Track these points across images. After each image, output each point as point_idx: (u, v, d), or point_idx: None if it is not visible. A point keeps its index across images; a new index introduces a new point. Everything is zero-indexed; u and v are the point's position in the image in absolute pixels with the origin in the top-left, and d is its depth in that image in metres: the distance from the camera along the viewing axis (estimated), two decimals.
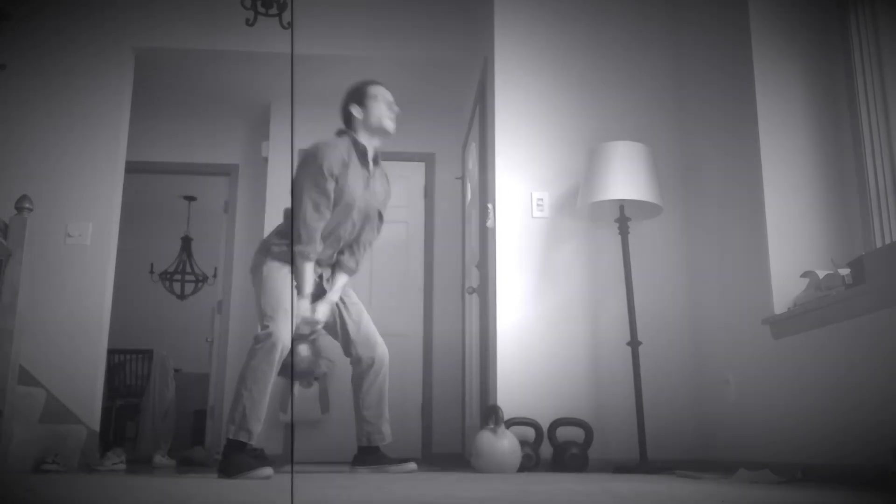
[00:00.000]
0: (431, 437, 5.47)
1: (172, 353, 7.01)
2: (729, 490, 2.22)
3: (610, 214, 3.85)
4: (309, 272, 3.11)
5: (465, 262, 5.25)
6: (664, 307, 3.91)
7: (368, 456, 3.18)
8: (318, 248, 3.10)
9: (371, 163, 3.26)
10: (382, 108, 3.25)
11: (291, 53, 4.94)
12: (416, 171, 5.95)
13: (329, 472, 3.38)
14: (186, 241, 8.56)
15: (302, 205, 3.07)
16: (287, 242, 3.08)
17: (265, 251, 3.15)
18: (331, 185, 3.09)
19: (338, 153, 3.13)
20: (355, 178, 3.18)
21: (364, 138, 3.25)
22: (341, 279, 3.30)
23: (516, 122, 4.05)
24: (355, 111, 3.25)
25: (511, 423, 3.56)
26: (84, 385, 4.25)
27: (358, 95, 3.27)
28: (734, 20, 3.49)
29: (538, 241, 3.93)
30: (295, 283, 3.07)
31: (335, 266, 3.32)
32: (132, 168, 5.08)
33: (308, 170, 3.11)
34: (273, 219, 5.76)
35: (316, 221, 3.07)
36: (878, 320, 2.47)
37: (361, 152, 3.22)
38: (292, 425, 3.18)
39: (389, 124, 3.26)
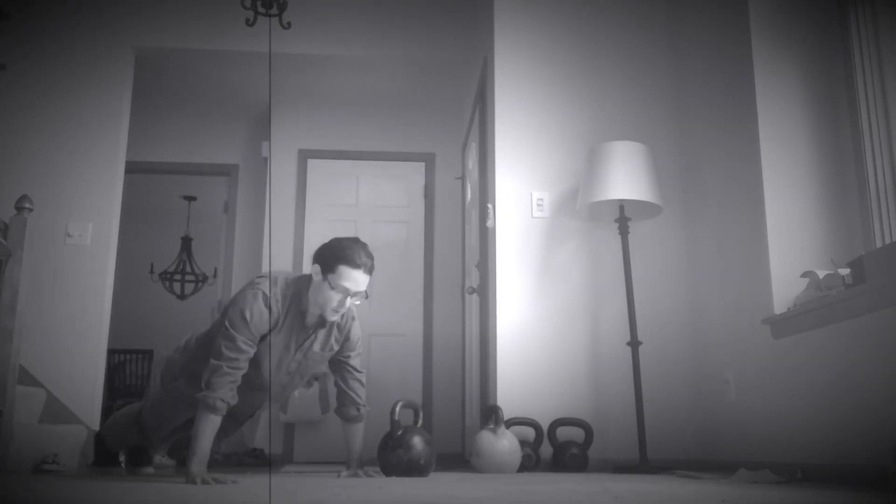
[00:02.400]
0: (431, 437, 5.47)
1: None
2: (729, 490, 2.21)
3: (610, 214, 3.85)
4: (212, 428, 2.54)
5: (465, 262, 5.25)
6: (664, 307, 3.91)
7: None
8: (230, 399, 2.57)
9: (309, 328, 2.81)
10: (335, 297, 2.67)
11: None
12: (416, 171, 5.95)
13: (329, 472, 3.38)
14: (186, 241, 8.55)
15: (217, 350, 2.61)
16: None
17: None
18: (245, 342, 2.62)
19: (262, 307, 2.66)
20: (285, 336, 2.76)
21: (310, 303, 2.75)
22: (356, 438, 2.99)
23: (516, 122, 4.05)
24: (314, 272, 2.71)
25: (511, 423, 3.56)
26: (84, 385, 4.25)
27: (330, 260, 2.68)
28: (734, 20, 3.49)
29: (538, 241, 3.93)
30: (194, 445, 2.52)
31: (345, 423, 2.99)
32: (132, 168, 5.08)
33: (228, 313, 2.67)
34: (273, 219, 5.77)
35: (230, 369, 2.58)
36: (878, 320, 2.47)
37: (300, 311, 2.77)
38: (269, 427, 3.12)
39: (332, 315, 2.73)
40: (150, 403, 3.03)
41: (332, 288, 2.66)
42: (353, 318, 2.97)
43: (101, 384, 4.36)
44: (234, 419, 3.04)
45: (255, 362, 2.72)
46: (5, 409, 3.11)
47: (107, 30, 4.72)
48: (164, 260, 8.88)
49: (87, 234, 4.44)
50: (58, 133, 4.53)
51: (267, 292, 2.69)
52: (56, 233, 4.41)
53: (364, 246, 2.72)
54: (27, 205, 3.38)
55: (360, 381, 2.99)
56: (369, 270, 2.70)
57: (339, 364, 2.98)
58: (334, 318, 2.76)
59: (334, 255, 2.67)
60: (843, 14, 3.23)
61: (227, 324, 2.63)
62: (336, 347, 2.91)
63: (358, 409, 2.95)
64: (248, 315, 2.64)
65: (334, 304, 2.69)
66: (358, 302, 2.76)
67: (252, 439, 3.20)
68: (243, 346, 2.61)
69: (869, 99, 3.07)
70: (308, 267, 5.68)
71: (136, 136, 5.84)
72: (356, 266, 2.66)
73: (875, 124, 3.04)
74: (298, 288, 2.76)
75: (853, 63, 3.15)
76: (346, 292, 2.67)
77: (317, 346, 2.85)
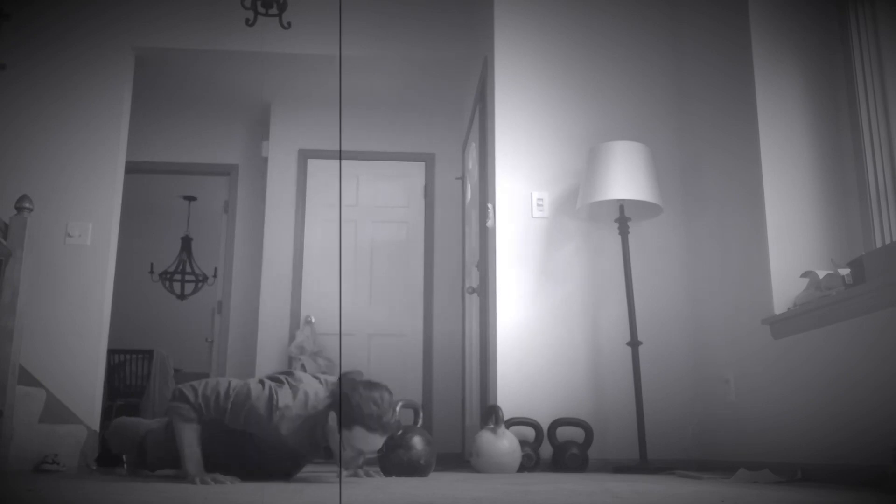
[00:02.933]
0: (431, 437, 5.48)
1: (172, 353, 7.01)
2: (729, 490, 2.21)
3: (610, 214, 3.85)
4: (193, 434, 2.49)
5: (465, 262, 5.25)
6: (664, 307, 3.91)
7: None
8: (200, 409, 2.50)
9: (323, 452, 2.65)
10: (347, 453, 2.48)
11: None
12: (416, 171, 5.95)
13: (329, 472, 3.38)
14: (186, 241, 8.56)
15: (203, 383, 2.54)
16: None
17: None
18: (225, 404, 2.51)
19: (266, 400, 2.50)
20: (295, 438, 2.59)
21: (322, 436, 2.56)
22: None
23: (516, 122, 4.05)
24: (330, 418, 2.48)
25: (511, 423, 3.56)
26: (84, 385, 4.25)
27: (347, 418, 2.44)
28: (734, 21, 3.49)
29: (538, 241, 3.93)
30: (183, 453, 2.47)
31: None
32: (132, 168, 5.08)
33: (250, 383, 2.55)
34: (273, 219, 5.77)
35: (207, 403, 2.50)
36: (878, 320, 2.47)
37: (313, 443, 2.59)
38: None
39: (343, 462, 2.55)
40: (153, 435, 2.99)
41: (344, 447, 2.47)
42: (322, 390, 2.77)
43: (101, 384, 4.36)
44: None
45: (259, 459, 2.64)
46: (5, 409, 3.11)
47: (107, 30, 4.72)
48: (164, 260, 8.89)
49: (87, 234, 4.43)
50: (58, 133, 4.54)
51: (278, 402, 2.51)
52: (56, 233, 4.41)
53: (389, 399, 2.48)
54: (27, 205, 3.38)
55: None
56: (388, 431, 2.49)
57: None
58: (344, 467, 2.61)
59: (353, 414, 2.42)
60: (843, 14, 3.24)
61: (233, 386, 2.52)
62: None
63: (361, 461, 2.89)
64: (245, 405, 2.49)
65: (345, 459, 2.50)
66: (371, 457, 2.60)
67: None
68: (212, 410, 2.49)
69: (869, 99, 3.07)
70: (308, 267, 5.72)
71: (136, 136, 5.85)
72: (373, 430, 2.42)
73: (875, 124, 3.04)
74: (316, 415, 2.55)
75: (853, 63, 3.15)
76: (360, 454, 2.48)
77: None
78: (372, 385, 2.47)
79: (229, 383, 2.54)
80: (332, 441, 2.50)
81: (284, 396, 2.52)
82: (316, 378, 2.65)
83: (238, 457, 2.63)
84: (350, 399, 2.44)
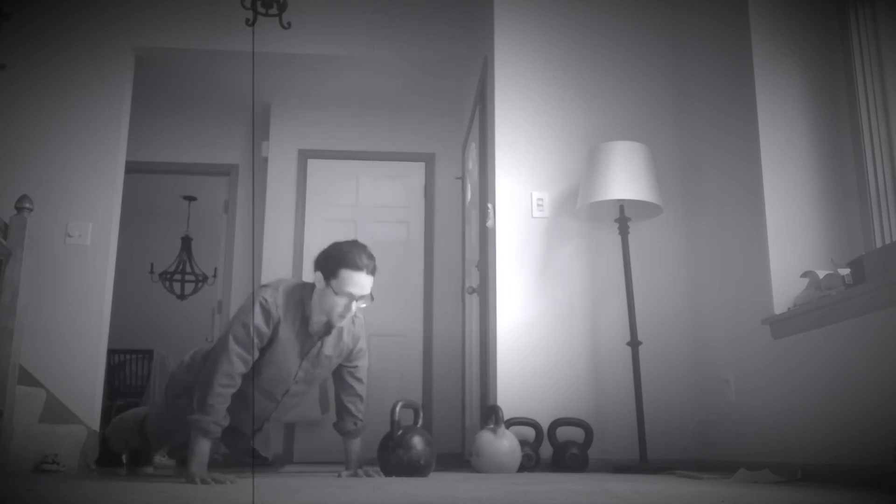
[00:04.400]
0: (431, 437, 5.48)
1: (172, 353, 7.01)
2: (729, 490, 2.22)
3: (610, 214, 3.85)
4: (207, 447, 2.51)
5: (465, 262, 5.25)
6: (664, 307, 3.91)
7: None
8: (222, 421, 2.55)
9: (315, 335, 2.78)
10: (339, 302, 2.64)
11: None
12: (416, 171, 5.95)
13: (329, 472, 3.38)
14: (186, 241, 8.56)
15: (212, 363, 2.61)
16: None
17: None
18: (244, 353, 2.61)
19: (266, 312, 2.65)
20: (289, 344, 2.74)
21: (314, 311, 2.73)
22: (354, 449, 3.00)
23: (516, 122, 4.05)
24: (317, 279, 2.69)
25: (511, 423, 3.56)
26: (84, 385, 4.25)
27: (331, 266, 2.65)
28: (734, 21, 3.49)
29: (538, 241, 3.93)
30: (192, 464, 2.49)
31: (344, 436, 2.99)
32: (132, 168, 5.08)
33: (231, 325, 2.67)
34: (273, 219, 5.77)
35: (223, 388, 2.56)
36: (878, 320, 2.47)
37: (304, 318, 2.75)
38: (253, 429, 3.08)
39: (338, 320, 2.70)
40: (154, 416, 3.02)
41: (336, 293, 2.62)
42: (362, 324, 2.97)
43: (101, 384, 4.36)
44: (243, 435, 3.02)
45: (259, 373, 2.70)
46: (5, 409, 3.11)
47: (107, 30, 4.72)
48: (164, 260, 8.88)
49: (87, 234, 4.43)
50: (58, 133, 4.53)
51: (267, 299, 2.67)
52: (56, 233, 4.41)
53: (364, 248, 2.69)
54: (27, 205, 3.38)
55: (359, 396, 2.99)
56: (372, 272, 2.67)
57: (341, 376, 2.97)
58: (341, 323, 2.73)
59: (335, 259, 2.63)
60: (843, 14, 3.24)
61: (231, 336, 2.62)
62: (350, 345, 2.90)
63: (355, 424, 2.96)
64: (248, 323, 2.62)
65: (340, 308, 2.65)
66: (364, 305, 2.73)
67: (268, 450, 3.19)
68: (237, 362, 2.59)
69: (869, 99, 3.07)
70: (308, 267, 5.71)
71: (136, 136, 5.84)
72: (358, 269, 2.62)
73: (875, 124, 3.04)
74: (300, 295, 2.74)
75: (853, 63, 3.15)
76: (351, 296, 2.63)
77: (327, 351, 2.83)
78: (348, 240, 2.70)
79: (230, 352, 2.61)
80: (323, 303, 2.63)
81: (267, 292, 2.67)
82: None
83: (250, 379, 2.70)
84: (330, 252, 2.64)
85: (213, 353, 2.68)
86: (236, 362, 2.59)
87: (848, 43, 3.19)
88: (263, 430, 3.09)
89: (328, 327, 2.75)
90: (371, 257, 2.70)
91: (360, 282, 2.64)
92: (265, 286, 2.76)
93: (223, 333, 2.69)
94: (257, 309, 2.65)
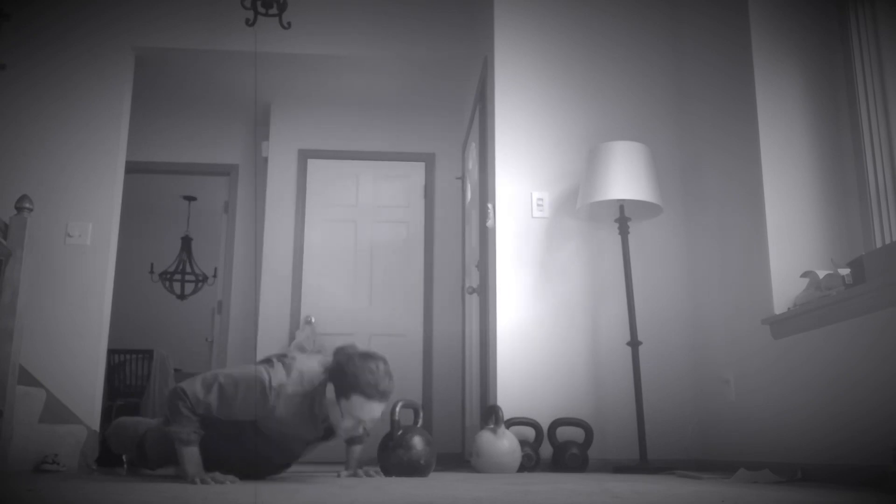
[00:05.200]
0: (431, 437, 5.48)
1: (172, 353, 7.01)
2: (729, 490, 2.21)
3: (610, 214, 3.85)
4: (194, 454, 2.46)
5: (465, 262, 5.25)
6: (664, 307, 3.91)
7: None
8: (200, 429, 2.49)
9: (322, 431, 2.65)
10: (347, 423, 2.46)
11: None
12: (416, 171, 5.95)
13: (329, 472, 3.38)
14: (186, 241, 8.56)
15: (189, 382, 2.51)
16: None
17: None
18: (213, 408, 2.50)
19: (255, 397, 2.49)
20: (289, 427, 2.58)
21: (321, 411, 2.55)
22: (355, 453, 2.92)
23: (516, 121, 4.05)
24: (328, 390, 2.48)
25: (511, 423, 3.56)
26: (84, 385, 4.25)
27: (345, 387, 2.42)
28: (734, 21, 3.49)
29: (538, 241, 3.93)
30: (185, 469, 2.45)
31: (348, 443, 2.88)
32: (132, 168, 5.08)
33: (224, 375, 2.53)
34: (273, 219, 5.77)
35: (186, 415, 2.48)
36: (878, 320, 2.47)
37: (312, 414, 2.58)
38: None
39: (343, 436, 2.56)
40: (153, 434, 2.99)
41: (343, 416, 2.46)
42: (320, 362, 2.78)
43: (101, 384, 4.36)
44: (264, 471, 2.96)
45: (259, 448, 2.63)
46: (5, 409, 3.11)
47: (107, 30, 4.72)
48: (164, 260, 8.89)
49: (87, 234, 4.43)
50: (58, 133, 4.54)
51: (271, 382, 2.51)
52: (56, 233, 4.41)
53: (384, 370, 2.46)
54: (27, 205, 3.38)
55: None
56: (386, 397, 2.47)
57: None
58: (345, 437, 2.62)
59: (350, 382, 2.41)
60: (843, 14, 3.24)
61: (221, 379, 2.50)
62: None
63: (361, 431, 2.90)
64: (237, 395, 2.48)
65: (345, 428, 2.48)
66: (370, 427, 2.54)
67: None
68: (203, 411, 2.48)
69: (869, 99, 3.07)
70: (308, 267, 5.72)
71: (136, 136, 5.85)
72: (371, 398, 2.41)
73: (875, 124, 3.04)
74: (313, 391, 2.55)
75: (853, 63, 3.15)
76: (359, 422, 2.46)
77: (333, 441, 2.73)
78: (367, 355, 2.47)
79: (216, 376, 2.52)
80: (331, 414, 2.48)
81: (277, 375, 2.53)
82: (310, 356, 2.66)
83: (239, 448, 2.63)
84: (345, 368, 2.44)
85: (197, 376, 2.59)
86: (205, 406, 2.48)
87: (848, 43, 3.19)
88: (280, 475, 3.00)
89: (330, 432, 2.65)
90: (390, 378, 2.48)
91: (372, 410, 2.45)
92: (284, 358, 2.61)
93: (217, 372, 2.56)
94: (252, 392, 2.49)
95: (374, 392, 2.41)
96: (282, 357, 2.62)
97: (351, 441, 2.93)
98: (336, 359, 2.50)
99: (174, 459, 2.77)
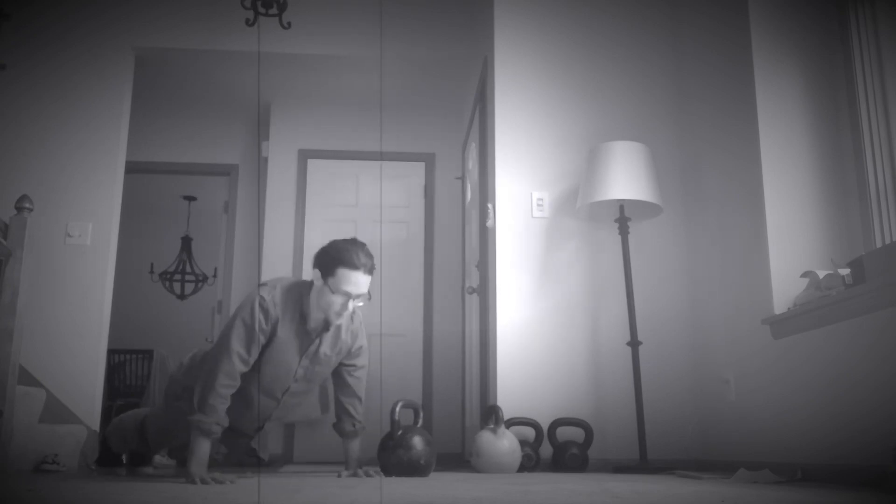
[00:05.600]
0: (431, 437, 5.48)
1: (172, 353, 7.01)
2: (729, 490, 2.22)
3: (610, 214, 3.85)
4: (207, 448, 2.52)
5: (465, 262, 5.25)
6: (664, 307, 3.91)
7: None
8: (223, 421, 2.56)
9: (313, 332, 2.79)
10: (337, 300, 2.64)
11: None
12: (416, 171, 5.95)
13: (329, 472, 3.38)
14: (186, 241, 8.56)
15: (213, 363, 2.62)
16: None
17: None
18: (244, 352, 2.62)
19: (264, 311, 2.66)
20: (288, 342, 2.74)
21: (312, 308, 2.74)
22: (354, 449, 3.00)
23: (516, 122, 4.05)
24: (315, 277, 2.69)
25: (511, 423, 3.56)
26: (84, 385, 4.25)
27: (328, 264, 2.64)
28: (734, 21, 3.49)
29: (538, 241, 3.93)
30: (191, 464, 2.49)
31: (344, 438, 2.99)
32: (132, 168, 5.08)
33: (229, 325, 2.67)
34: (273, 219, 5.77)
35: (224, 388, 2.57)
36: (878, 320, 2.47)
37: (302, 316, 2.75)
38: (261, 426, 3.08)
39: (335, 318, 2.71)
40: (153, 418, 3.02)
41: (333, 292, 2.63)
42: (361, 322, 2.97)
43: (101, 384, 4.36)
44: (243, 434, 3.02)
45: (259, 372, 2.71)
46: (5, 409, 3.11)
47: (107, 30, 4.72)
48: (164, 260, 8.89)
49: (87, 234, 4.43)
50: (58, 133, 4.53)
51: (265, 297, 2.68)
52: (56, 233, 4.41)
53: (362, 246, 2.69)
54: (27, 205, 3.38)
55: (358, 398, 2.99)
56: (369, 270, 2.67)
57: (340, 375, 2.97)
58: (338, 321, 2.74)
59: (332, 258, 2.63)
60: (843, 14, 3.24)
61: (232, 335, 2.62)
62: (349, 343, 2.90)
63: (353, 426, 2.96)
64: (248, 322, 2.63)
65: (337, 307, 2.66)
66: (361, 304, 2.73)
67: (265, 451, 3.20)
68: (238, 362, 2.60)
69: (869, 99, 3.07)
70: (308, 268, 5.71)
71: (136, 136, 5.84)
72: (355, 267, 2.62)
73: (875, 124, 3.04)
74: (299, 293, 2.75)
75: (853, 63, 3.15)
76: (348, 295, 2.64)
77: (326, 349, 2.83)
78: (346, 239, 2.68)
79: (231, 352, 2.62)
80: (321, 300, 2.64)
81: (268, 291, 2.67)
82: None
83: (250, 381, 2.70)
84: (327, 250, 2.64)
85: (212, 353, 2.68)
86: (236, 362, 2.60)
87: (848, 43, 3.19)
88: (263, 429, 3.09)
89: (326, 325, 2.76)
90: (369, 256, 2.70)
91: (358, 280, 2.64)
92: (263, 285, 2.77)
93: (222, 333, 2.70)
94: (256, 307, 2.64)
95: (358, 263, 2.61)
96: (260, 285, 2.78)
97: (345, 434, 2.94)
98: (318, 251, 2.70)
99: (174, 442, 2.80)
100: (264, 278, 5.62)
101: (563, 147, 4.04)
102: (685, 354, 3.87)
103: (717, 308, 3.63)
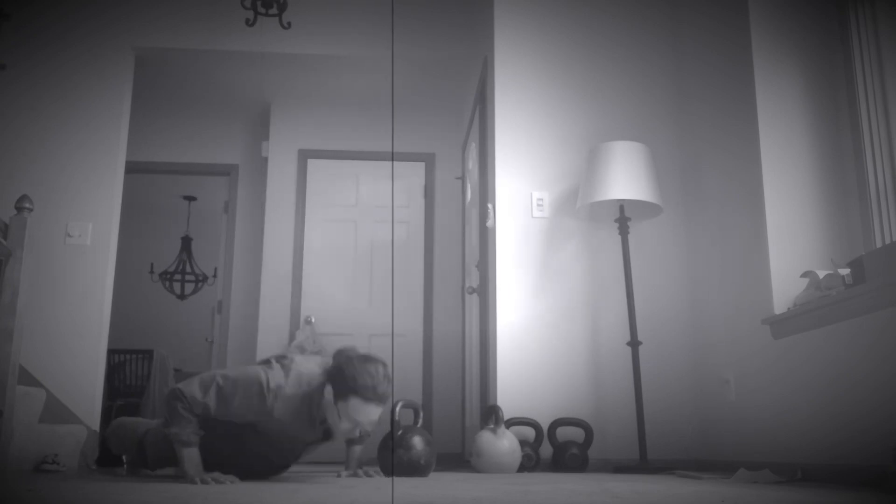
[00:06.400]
0: (431, 437, 5.48)
1: (172, 353, 7.01)
2: (729, 490, 2.21)
3: (610, 214, 3.85)
4: (194, 455, 2.46)
5: (465, 262, 5.25)
6: (664, 307, 3.91)
7: None
8: (199, 431, 2.49)
9: (320, 432, 2.65)
10: (344, 426, 2.45)
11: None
12: (416, 171, 5.95)
13: (329, 472, 3.38)
14: (186, 241, 8.56)
15: (187, 383, 2.51)
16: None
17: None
18: (202, 400, 2.49)
19: (254, 396, 2.49)
20: (289, 428, 2.58)
21: (319, 412, 2.55)
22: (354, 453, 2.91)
23: (516, 122, 4.05)
24: (326, 392, 2.47)
25: (511, 423, 3.56)
26: (84, 385, 4.25)
27: (343, 388, 2.42)
28: (734, 21, 3.49)
29: (538, 241, 3.93)
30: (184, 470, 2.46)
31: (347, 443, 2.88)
32: (132, 168, 5.08)
33: (228, 375, 2.54)
34: (273, 219, 5.77)
35: (185, 416, 2.48)
36: (878, 320, 2.47)
37: (311, 418, 2.58)
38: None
39: (340, 438, 2.58)
40: (152, 440, 2.99)
41: (341, 418, 2.44)
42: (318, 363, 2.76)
43: (101, 384, 4.36)
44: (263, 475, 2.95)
45: (259, 450, 2.63)
46: (5, 409, 3.11)
47: (107, 30, 4.72)
48: (164, 260, 8.89)
49: (87, 234, 4.43)
50: (58, 133, 4.53)
51: (269, 383, 2.50)
52: (56, 233, 4.41)
53: (384, 372, 2.45)
54: (27, 205, 3.37)
55: None
56: (384, 401, 2.45)
57: None
58: (342, 440, 2.62)
59: (348, 385, 2.40)
60: (843, 14, 3.24)
61: (219, 380, 2.50)
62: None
63: (359, 433, 2.90)
64: (235, 396, 2.48)
65: (343, 432, 2.48)
66: (369, 430, 2.54)
67: None
68: (195, 404, 2.48)
69: (869, 99, 3.07)
70: (308, 268, 5.71)
71: (136, 136, 5.84)
72: (369, 400, 2.39)
73: (875, 124, 3.04)
74: (311, 392, 2.53)
75: (853, 63, 3.15)
76: (356, 425, 2.44)
77: (333, 443, 2.72)
78: (367, 358, 2.46)
79: (214, 377, 2.52)
80: (329, 416, 2.47)
81: (275, 377, 2.51)
82: (309, 357, 2.65)
83: (238, 450, 2.63)
84: (344, 371, 2.42)
85: (195, 376, 2.58)
86: (195, 402, 2.48)
87: (848, 43, 3.19)
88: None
89: (329, 433, 2.63)
90: (388, 382, 2.47)
91: (370, 413, 2.42)
92: (283, 359, 2.60)
93: (217, 373, 2.56)
94: (251, 391, 2.49)
95: (373, 395, 2.39)
96: (280, 358, 2.61)
97: (351, 441, 2.93)
98: (335, 361, 2.49)
99: (174, 461, 2.77)
100: (264, 279, 5.62)
101: (563, 147, 4.04)
102: (685, 354, 3.87)
103: (717, 308, 3.63)
